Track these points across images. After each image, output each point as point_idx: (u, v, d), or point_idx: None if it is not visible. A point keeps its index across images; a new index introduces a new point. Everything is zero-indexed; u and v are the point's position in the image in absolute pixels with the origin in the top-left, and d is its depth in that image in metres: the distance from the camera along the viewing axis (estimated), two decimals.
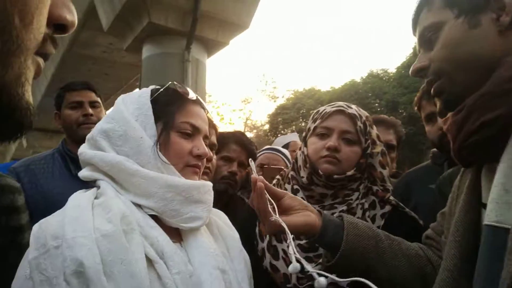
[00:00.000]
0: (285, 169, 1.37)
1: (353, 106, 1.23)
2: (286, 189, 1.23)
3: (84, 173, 0.87)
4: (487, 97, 0.66)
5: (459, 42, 0.73)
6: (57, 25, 0.36)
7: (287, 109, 20.60)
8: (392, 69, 18.49)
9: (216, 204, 1.86)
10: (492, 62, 0.68)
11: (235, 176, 1.83)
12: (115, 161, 0.81)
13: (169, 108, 0.88)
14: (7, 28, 0.27)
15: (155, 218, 0.82)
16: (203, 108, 0.95)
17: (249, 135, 21.67)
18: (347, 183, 1.17)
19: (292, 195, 0.94)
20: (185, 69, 6.64)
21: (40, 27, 0.31)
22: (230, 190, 1.83)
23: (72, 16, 0.38)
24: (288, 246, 0.77)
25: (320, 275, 0.69)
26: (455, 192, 0.86)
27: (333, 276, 0.69)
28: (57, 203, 0.80)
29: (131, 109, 0.87)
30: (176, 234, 0.86)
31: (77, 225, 0.70)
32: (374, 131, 1.23)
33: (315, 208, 1.15)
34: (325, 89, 19.77)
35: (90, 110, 1.85)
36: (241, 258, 0.95)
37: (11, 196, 1.34)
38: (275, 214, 0.83)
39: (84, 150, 0.87)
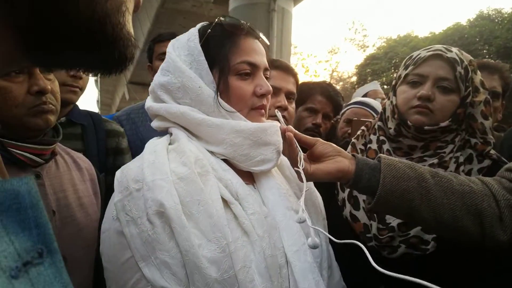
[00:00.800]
0: (371, 120, 1.31)
1: (454, 49, 1.09)
2: (371, 140, 1.20)
3: (156, 124, 0.88)
4: None
5: None
6: None
7: (377, 59, 19.16)
8: (508, 9, 15.89)
9: None
10: None
11: (319, 128, 1.80)
12: (180, 112, 0.81)
13: (221, 50, 0.83)
14: None
15: (227, 162, 0.82)
16: (257, 37, 0.88)
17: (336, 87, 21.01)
18: (440, 134, 1.08)
19: (324, 141, 0.90)
20: (271, 19, 6.56)
21: None
22: None
23: None
24: (301, 197, 0.76)
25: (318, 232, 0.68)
26: None
27: (329, 236, 0.70)
28: None
29: (183, 57, 0.84)
30: (249, 177, 0.86)
31: (155, 169, 0.72)
32: (478, 77, 1.10)
33: (401, 160, 1.12)
34: (423, 35, 18.03)
35: None
36: (314, 199, 0.95)
37: (116, 139, 1.54)
38: (301, 162, 0.82)
39: (150, 104, 0.87)
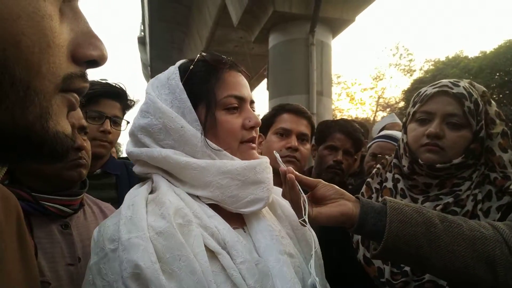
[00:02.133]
0: (387, 157, 1.28)
1: (462, 83, 1.06)
2: (387, 178, 1.18)
3: (137, 169, 0.85)
4: None
5: None
6: (89, 61, 0.41)
7: (425, 82, 18.41)
8: None
9: None
10: None
11: (341, 164, 1.82)
12: (162, 156, 0.77)
13: (206, 85, 0.79)
14: (16, 82, 0.33)
15: (214, 206, 0.78)
16: (239, 70, 0.85)
17: (382, 114, 20.42)
18: (456, 171, 1.04)
19: (326, 183, 0.86)
20: (310, 53, 6.67)
21: (54, 71, 0.37)
22: (336, 179, 1.83)
23: (98, 50, 0.41)
24: (311, 255, 0.73)
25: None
26: None
27: None
28: None
29: (163, 96, 0.81)
30: (238, 220, 0.81)
31: (131, 225, 0.67)
32: (493, 108, 1.06)
33: (417, 198, 1.08)
34: (474, 55, 17.24)
35: None
36: (307, 238, 0.87)
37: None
38: (305, 209, 0.78)
39: (130, 150, 0.84)
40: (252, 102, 0.86)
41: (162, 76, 0.85)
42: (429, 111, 1.07)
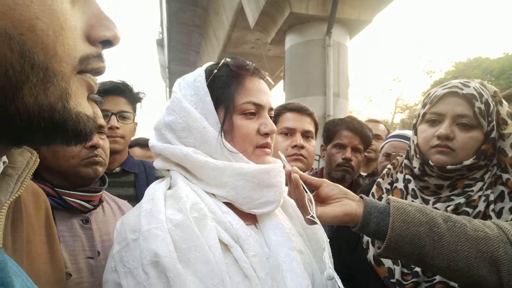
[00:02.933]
0: (398, 158, 1.28)
1: (472, 84, 1.06)
2: (397, 179, 1.18)
3: (158, 164, 0.89)
4: None
5: None
6: (103, 41, 0.43)
7: None
8: None
9: None
10: None
11: (350, 161, 1.83)
12: (183, 154, 0.81)
13: (227, 90, 0.84)
14: (35, 65, 0.36)
15: (229, 204, 0.82)
16: (262, 77, 0.89)
17: (401, 116, 20.11)
18: (467, 172, 1.04)
19: (330, 182, 0.87)
20: (327, 54, 6.65)
21: (70, 53, 0.39)
22: (347, 177, 1.84)
23: (110, 31, 0.43)
24: (324, 249, 0.75)
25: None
26: None
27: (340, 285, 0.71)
28: None
29: (189, 97, 0.85)
30: (251, 217, 0.85)
31: (151, 218, 0.72)
32: (505, 108, 1.05)
33: (429, 199, 1.08)
34: (496, 56, 16.81)
35: None
36: (318, 237, 0.91)
37: None
38: (312, 207, 0.80)
39: (154, 144, 0.88)
40: (271, 109, 0.89)
41: (189, 77, 0.90)
42: (439, 112, 1.07)
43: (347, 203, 0.84)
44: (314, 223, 0.80)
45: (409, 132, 2.18)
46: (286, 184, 0.89)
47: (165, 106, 0.89)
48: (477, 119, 1.02)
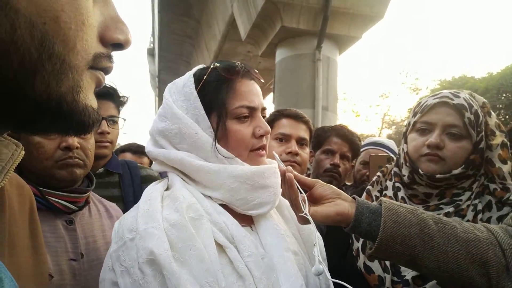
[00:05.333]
0: (392, 160, 1.29)
1: (462, 94, 1.08)
2: (387, 186, 1.18)
3: (155, 167, 0.91)
4: None
5: None
6: (114, 44, 0.44)
7: None
8: None
9: None
10: None
11: (337, 168, 1.84)
12: (178, 158, 0.83)
13: (218, 95, 0.83)
14: (53, 55, 0.37)
15: (224, 206, 0.83)
16: (252, 78, 0.88)
17: (388, 131, 20.40)
18: (456, 181, 1.05)
19: (323, 183, 0.88)
20: (316, 69, 6.73)
21: (86, 48, 0.40)
22: (334, 183, 1.83)
23: (124, 35, 0.44)
24: (314, 244, 0.76)
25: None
26: None
27: (329, 277, 0.71)
28: None
29: (179, 102, 0.85)
30: (246, 218, 0.85)
31: (148, 217, 0.73)
32: (493, 119, 1.07)
33: (418, 207, 1.08)
34: (480, 76, 17.26)
35: None
36: (312, 239, 0.90)
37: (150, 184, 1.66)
38: (305, 206, 0.81)
39: (150, 149, 0.89)
40: (263, 109, 0.89)
41: (179, 81, 0.90)
42: (430, 122, 1.08)
43: (339, 203, 0.85)
44: (308, 222, 0.80)
45: (383, 140, 2.20)
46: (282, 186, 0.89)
47: (158, 113, 0.89)
48: (467, 129, 1.04)
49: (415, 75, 21.48)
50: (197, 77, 0.87)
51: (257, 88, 0.88)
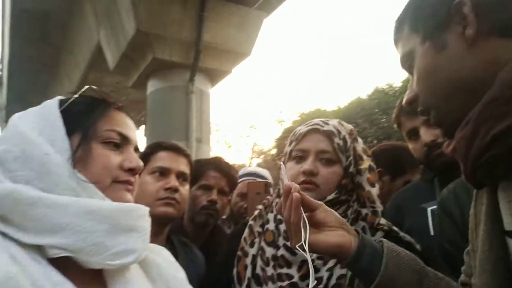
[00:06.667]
0: (270, 186, 1.29)
1: (331, 122, 1.14)
2: (268, 220, 1.15)
3: None
4: (493, 105, 0.56)
5: (432, 71, 0.66)
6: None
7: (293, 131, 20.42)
8: (398, 83, 18.44)
9: (198, 239, 1.70)
10: (477, 79, 0.60)
11: (215, 204, 1.72)
12: (8, 190, 0.60)
13: (88, 116, 0.70)
14: None
15: (63, 261, 0.61)
16: (128, 114, 0.79)
17: (257, 160, 21.58)
18: (331, 207, 0.99)
19: (327, 207, 0.81)
20: (189, 101, 6.77)
21: None
22: (211, 221, 1.74)
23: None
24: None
25: None
26: (473, 222, 0.72)
27: None
28: None
29: (32, 124, 0.68)
30: (96, 280, 0.65)
31: None
32: (360, 144, 1.15)
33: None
34: (331, 109, 19.85)
35: None
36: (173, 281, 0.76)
37: None
38: (306, 232, 0.72)
39: None
40: (136, 148, 0.78)
41: (33, 108, 0.74)
42: (304, 149, 1.10)
43: (343, 235, 0.77)
44: (303, 250, 0.69)
45: (257, 169, 2.24)
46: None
47: None
48: (337, 154, 1.08)
49: (279, 108, 23.42)
50: (63, 100, 0.74)
51: (133, 125, 0.78)
